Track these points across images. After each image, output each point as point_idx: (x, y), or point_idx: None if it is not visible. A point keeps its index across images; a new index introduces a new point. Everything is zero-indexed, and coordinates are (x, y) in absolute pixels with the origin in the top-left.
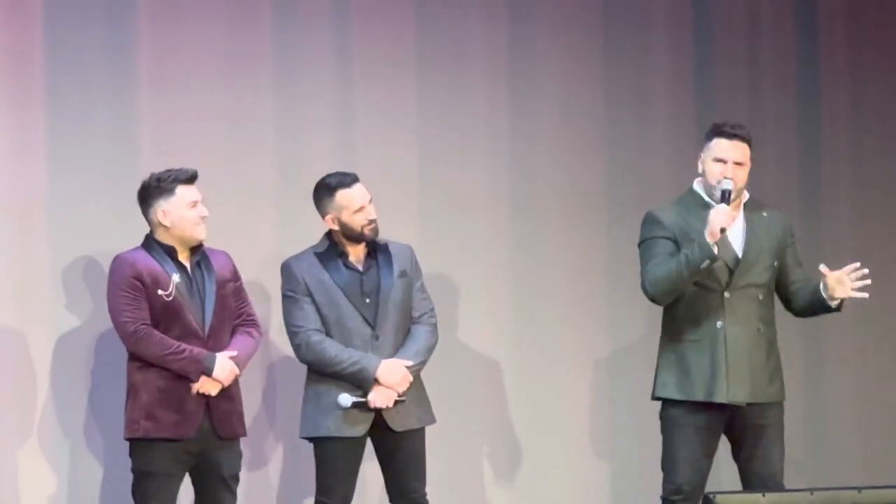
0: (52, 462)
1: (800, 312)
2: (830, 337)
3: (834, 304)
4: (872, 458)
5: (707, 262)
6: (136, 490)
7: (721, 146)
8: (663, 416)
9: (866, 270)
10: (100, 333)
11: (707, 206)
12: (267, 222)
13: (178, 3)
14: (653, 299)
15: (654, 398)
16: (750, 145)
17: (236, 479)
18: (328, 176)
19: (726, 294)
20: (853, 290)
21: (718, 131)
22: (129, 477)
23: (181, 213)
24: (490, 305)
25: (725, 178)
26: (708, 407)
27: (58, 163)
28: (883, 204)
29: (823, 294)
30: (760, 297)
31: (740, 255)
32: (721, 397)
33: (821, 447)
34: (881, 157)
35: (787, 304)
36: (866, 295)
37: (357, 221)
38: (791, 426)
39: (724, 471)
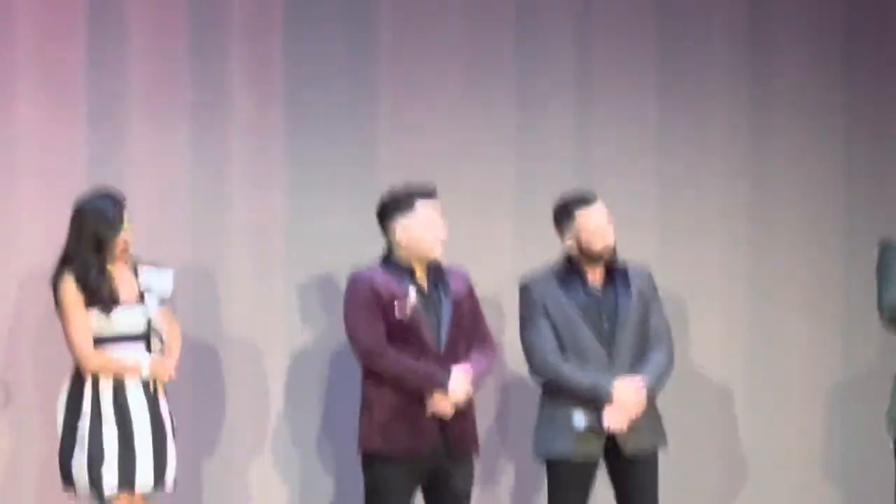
0: (285, 475)
1: None
2: None
3: None
4: None
5: None
6: None
7: None
8: None
9: None
10: (333, 350)
11: None
12: (505, 239)
13: (419, 19)
14: (890, 322)
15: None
16: None
17: (468, 496)
18: (567, 196)
19: None
20: None
21: None
22: (361, 491)
23: (419, 230)
24: (725, 329)
25: None
26: None
27: (297, 181)
28: None
29: None
30: None
31: None
32: None
33: None
34: None
35: None
36: None
37: (596, 242)
38: None
39: None
